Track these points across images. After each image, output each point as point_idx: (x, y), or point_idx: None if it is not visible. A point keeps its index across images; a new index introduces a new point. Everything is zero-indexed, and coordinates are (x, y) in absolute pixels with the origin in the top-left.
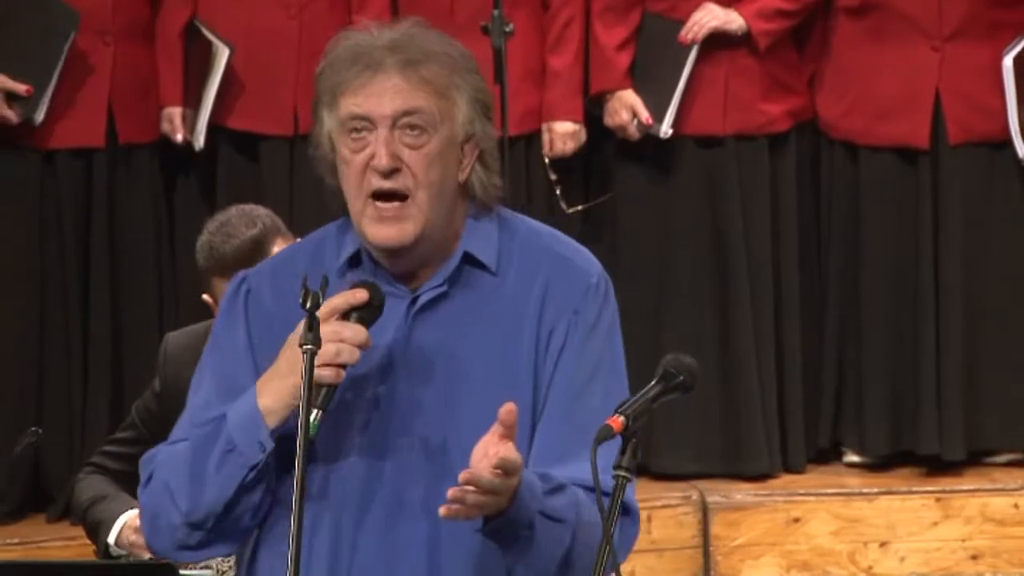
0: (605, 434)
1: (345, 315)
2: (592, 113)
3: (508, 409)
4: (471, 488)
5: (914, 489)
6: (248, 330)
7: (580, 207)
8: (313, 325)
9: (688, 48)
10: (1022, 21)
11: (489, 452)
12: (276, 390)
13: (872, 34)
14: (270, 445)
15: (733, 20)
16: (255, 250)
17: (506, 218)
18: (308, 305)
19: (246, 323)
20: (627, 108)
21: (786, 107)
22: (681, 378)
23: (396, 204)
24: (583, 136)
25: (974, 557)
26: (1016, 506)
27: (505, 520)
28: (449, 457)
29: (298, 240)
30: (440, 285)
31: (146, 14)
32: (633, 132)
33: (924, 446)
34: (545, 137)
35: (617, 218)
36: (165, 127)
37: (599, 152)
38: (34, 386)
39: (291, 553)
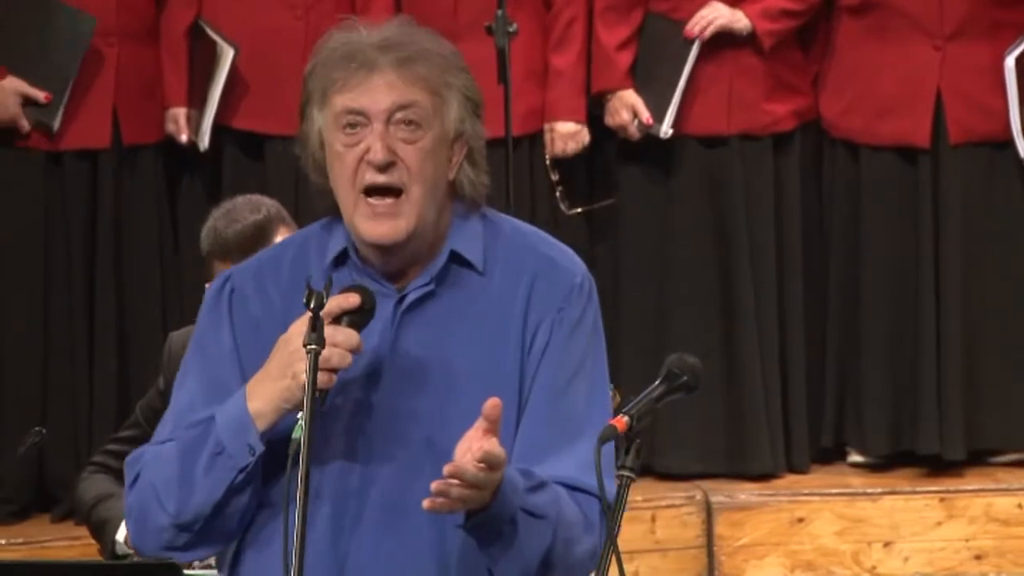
0: (609, 434)
1: (336, 319)
2: (594, 113)
3: (493, 404)
4: (455, 481)
5: (918, 489)
6: (233, 330)
7: (580, 209)
8: (317, 325)
9: (689, 49)
10: (1023, 21)
11: (473, 447)
12: (266, 393)
13: (873, 33)
14: (260, 448)
15: (739, 20)
16: (258, 235)
17: (491, 218)
18: (312, 305)
19: (231, 323)
20: (627, 108)
21: (790, 107)
22: (685, 378)
23: (390, 201)
24: (585, 136)
25: (978, 557)
26: (1020, 506)
27: (487, 515)
28: (439, 457)
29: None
30: (427, 284)
31: (150, 15)
32: (634, 132)
33: (924, 446)
34: (547, 137)
35: (620, 218)
36: (170, 127)
37: (602, 152)
38: (39, 386)
39: (295, 551)
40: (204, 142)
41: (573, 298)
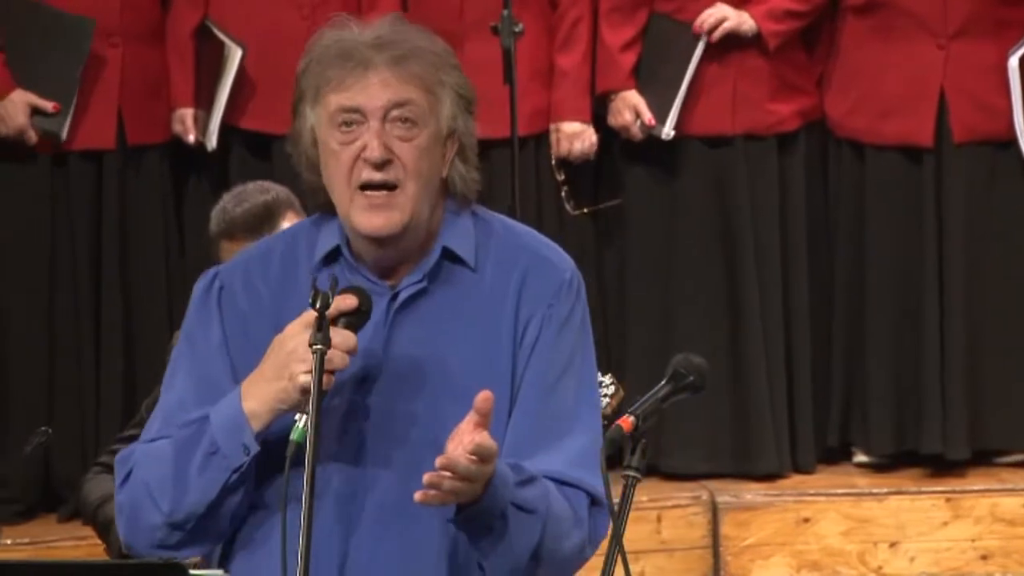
0: (616, 434)
1: (333, 321)
2: (600, 113)
3: (484, 397)
4: (447, 474)
5: (924, 489)
6: (223, 327)
7: (585, 210)
8: (322, 325)
9: (693, 49)
10: None
11: (464, 439)
12: (261, 394)
13: (877, 32)
14: (255, 448)
15: (745, 21)
16: (265, 216)
17: (482, 215)
18: (318, 305)
19: (220, 320)
20: (630, 108)
21: (795, 107)
22: (691, 378)
23: (385, 192)
24: (591, 137)
25: (984, 557)
26: None
27: (478, 509)
28: (435, 454)
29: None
30: (420, 281)
31: (155, 15)
32: (636, 132)
33: (928, 445)
34: (553, 137)
35: (626, 218)
36: (177, 128)
37: (608, 153)
38: (45, 386)
39: (300, 552)
40: (212, 142)
41: (562, 294)
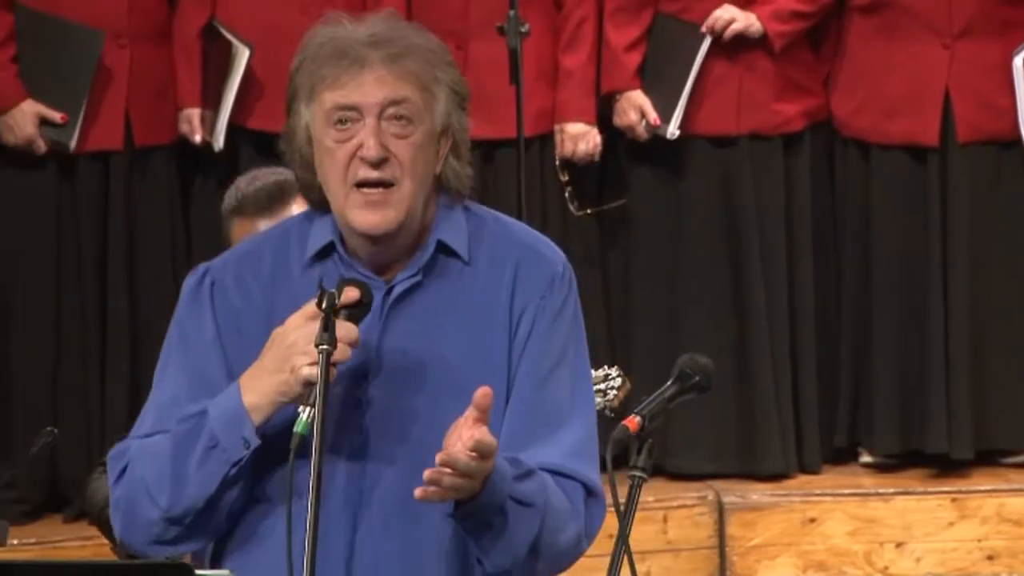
0: (622, 435)
1: (335, 312)
2: (605, 114)
3: (484, 393)
4: (447, 470)
5: (930, 490)
6: (216, 322)
7: (589, 211)
8: (329, 325)
9: (698, 50)
10: None
11: (463, 436)
12: (262, 387)
13: (883, 31)
14: (255, 442)
15: (752, 23)
16: (277, 195)
17: (474, 209)
18: (324, 305)
19: (213, 315)
20: (635, 108)
21: (801, 107)
22: (697, 378)
23: (381, 190)
24: (595, 138)
25: (990, 558)
26: None
27: (476, 504)
28: (431, 448)
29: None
30: (415, 275)
31: (162, 16)
32: (641, 132)
33: (932, 445)
34: (558, 138)
35: (631, 218)
36: (184, 128)
37: (613, 153)
38: (51, 386)
39: (307, 542)
40: (219, 142)
41: (555, 287)
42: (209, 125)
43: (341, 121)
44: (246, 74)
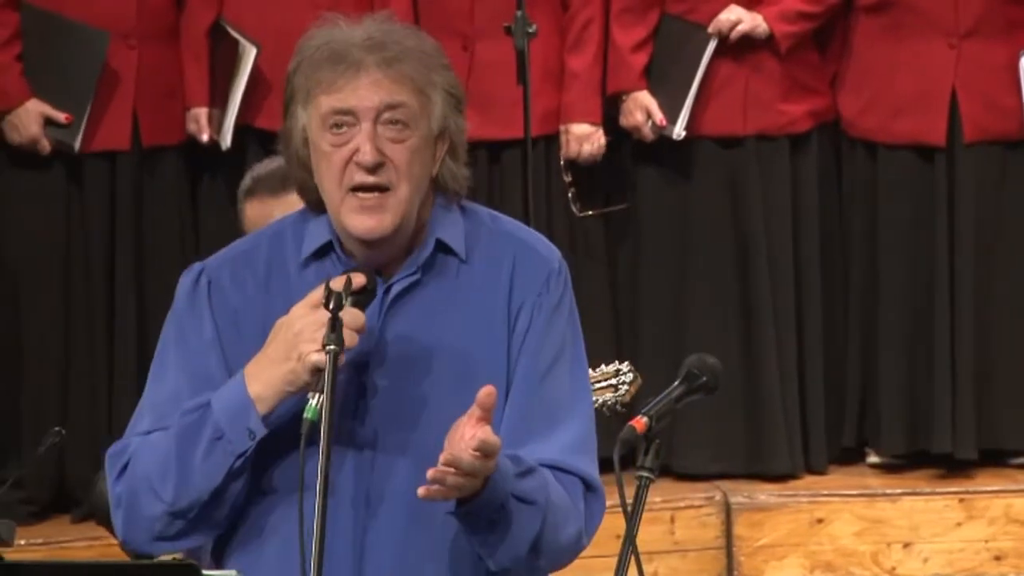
0: (629, 435)
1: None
2: (610, 115)
3: (487, 392)
4: (451, 469)
5: (937, 490)
6: (214, 320)
7: (591, 212)
8: (336, 326)
9: (704, 50)
10: None
11: (466, 434)
12: (268, 377)
13: (889, 31)
14: (261, 432)
15: (759, 24)
16: (288, 178)
17: (469, 208)
18: (331, 306)
19: (211, 314)
20: (641, 109)
21: (807, 107)
22: (704, 379)
23: (377, 194)
24: (600, 139)
25: (997, 558)
26: None
27: (478, 502)
28: (431, 446)
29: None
30: (413, 273)
31: (170, 17)
32: (647, 133)
33: (937, 445)
34: (563, 139)
35: (638, 219)
36: (191, 127)
37: (619, 153)
38: (59, 387)
39: (315, 537)
40: (227, 141)
41: (551, 283)
42: (216, 124)
43: (337, 125)
44: (253, 73)
